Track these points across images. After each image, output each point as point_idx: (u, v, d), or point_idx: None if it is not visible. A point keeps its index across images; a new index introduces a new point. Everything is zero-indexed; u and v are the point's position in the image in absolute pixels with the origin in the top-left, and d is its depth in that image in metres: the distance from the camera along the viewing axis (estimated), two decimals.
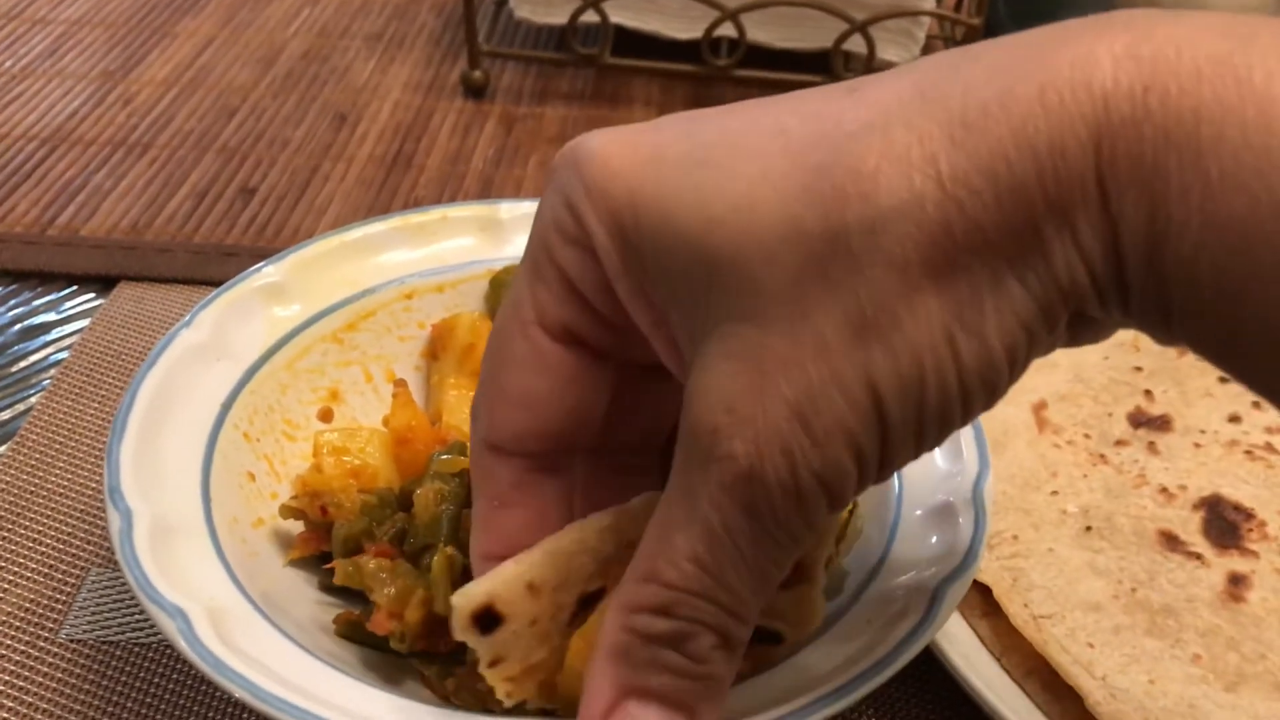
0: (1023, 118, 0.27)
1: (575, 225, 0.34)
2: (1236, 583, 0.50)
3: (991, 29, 0.94)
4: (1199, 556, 0.51)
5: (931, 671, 0.48)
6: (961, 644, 0.48)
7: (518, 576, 0.34)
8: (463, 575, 0.46)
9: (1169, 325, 0.28)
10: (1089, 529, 0.52)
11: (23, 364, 0.66)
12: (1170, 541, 0.51)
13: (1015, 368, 0.30)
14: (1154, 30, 0.27)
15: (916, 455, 0.31)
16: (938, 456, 0.48)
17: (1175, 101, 0.26)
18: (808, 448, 0.29)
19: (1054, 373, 0.61)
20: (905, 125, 0.28)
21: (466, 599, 0.34)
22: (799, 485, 0.30)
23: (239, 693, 0.37)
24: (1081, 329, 0.32)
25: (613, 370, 0.37)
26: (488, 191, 0.81)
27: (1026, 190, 0.27)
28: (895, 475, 0.48)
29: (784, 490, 0.30)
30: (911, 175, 0.28)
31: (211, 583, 0.42)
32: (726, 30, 0.86)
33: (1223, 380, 0.60)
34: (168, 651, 0.50)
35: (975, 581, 0.49)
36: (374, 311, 0.56)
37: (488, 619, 0.34)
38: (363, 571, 0.44)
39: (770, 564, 0.31)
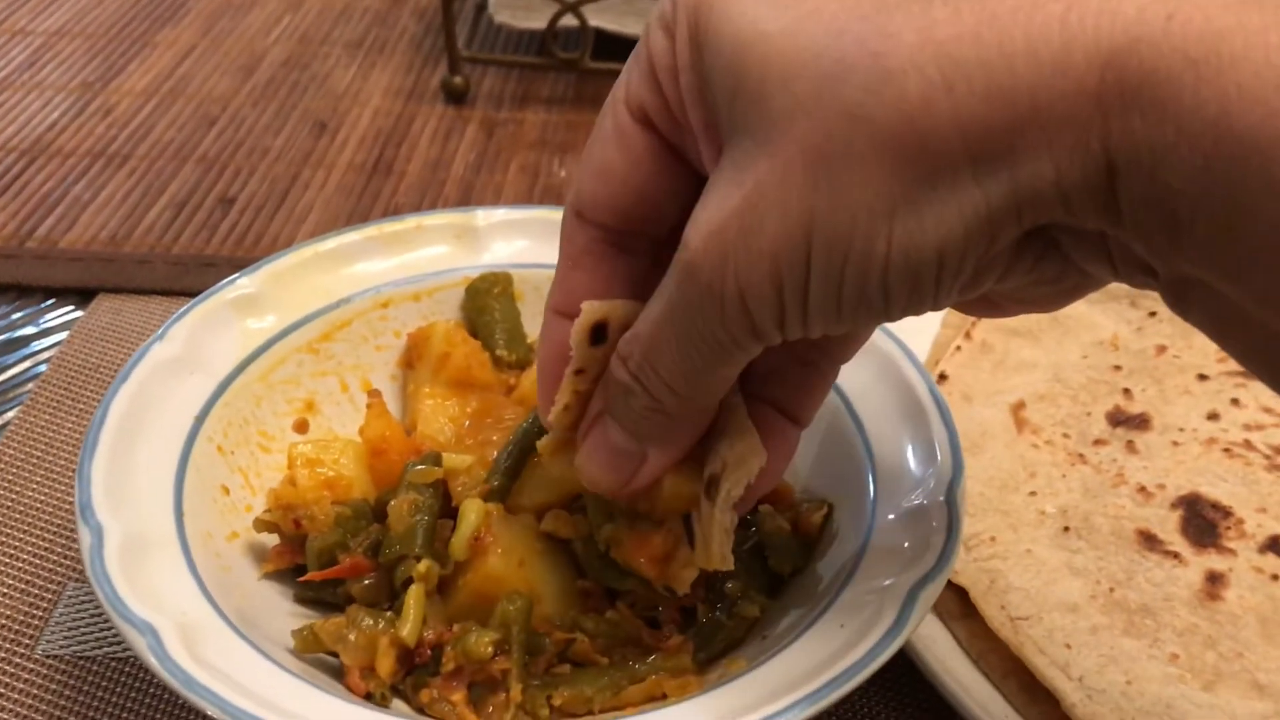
0: (1041, 29, 0.28)
1: (671, 10, 0.35)
2: (1214, 581, 0.50)
3: None
4: (1177, 555, 0.51)
5: (908, 674, 0.48)
6: (938, 647, 0.48)
7: (629, 309, 0.39)
8: (438, 586, 0.46)
9: (1175, 239, 0.28)
10: (1067, 529, 0.52)
11: (1, 378, 0.66)
12: (1148, 541, 0.51)
13: (944, 270, 0.31)
14: None
15: (835, 324, 0.33)
16: (911, 460, 0.48)
17: (1198, 26, 0.27)
18: (740, 258, 0.32)
19: (1033, 372, 0.61)
20: (946, 4, 0.29)
21: (592, 311, 0.39)
22: (723, 289, 0.32)
23: (210, 709, 0.37)
24: (1048, 258, 0.32)
25: (685, 170, 0.37)
26: (468, 197, 0.81)
27: (1015, 95, 0.28)
28: (869, 477, 0.48)
29: (710, 289, 0.33)
30: (923, 50, 0.29)
31: (183, 598, 0.42)
32: None
33: (1201, 378, 0.60)
34: (144, 667, 0.50)
35: (952, 583, 0.49)
36: (349, 321, 0.56)
37: (599, 333, 0.39)
38: (320, 636, 0.44)
39: (696, 356, 0.35)
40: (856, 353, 0.43)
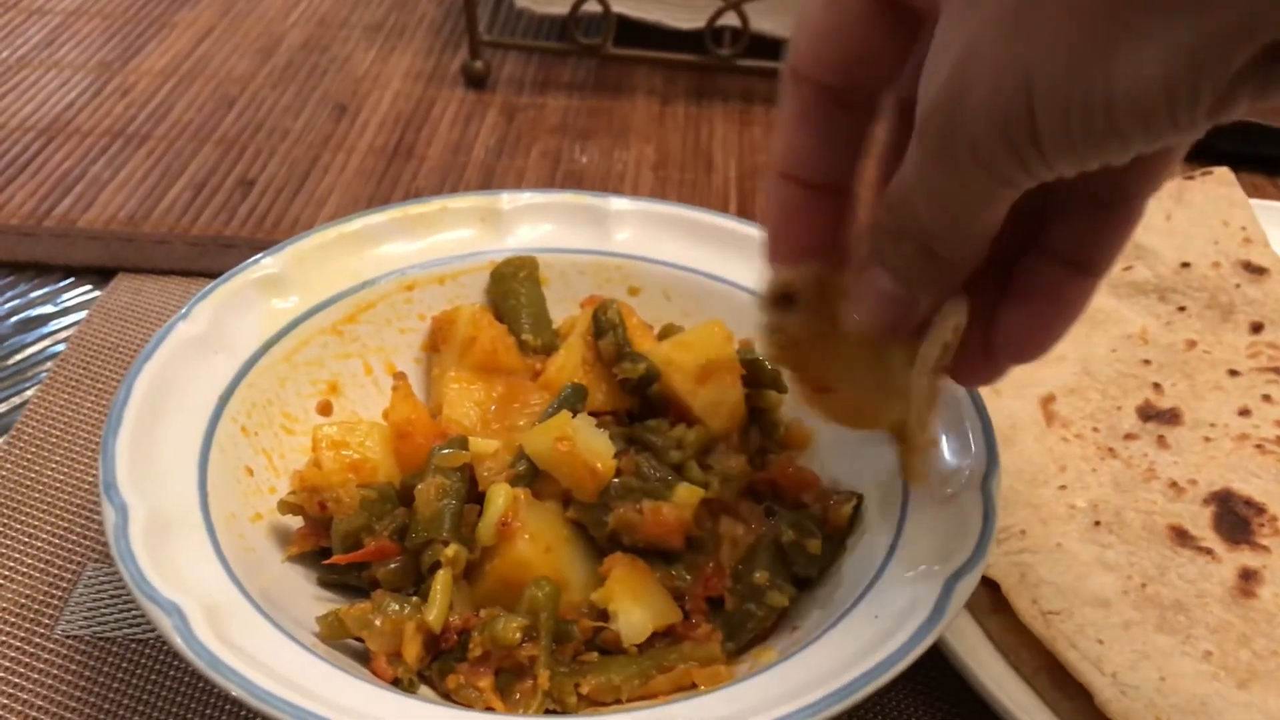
0: None
1: None
2: (1248, 578, 0.49)
3: None
4: (1210, 552, 0.50)
5: (939, 668, 0.47)
6: (969, 640, 0.47)
7: (817, 274, 0.40)
8: (465, 571, 0.45)
9: None
10: (1098, 524, 0.51)
11: (19, 356, 0.65)
12: (1180, 536, 0.51)
13: (1176, 104, 0.29)
14: None
15: (1082, 164, 0.31)
16: (945, 451, 0.47)
17: None
18: (965, 116, 0.31)
19: (1061, 365, 0.60)
20: None
21: (778, 281, 0.41)
22: (954, 149, 0.32)
23: (236, 690, 0.37)
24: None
25: (903, 16, 0.36)
26: (489, 182, 0.80)
27: None
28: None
29: (943, 151, 0.32)
30: None
31: (208, 579, 0.42)
32: (729, 20, 0.85)
33: (1232, 373, 0.59)
34: (164, 648, 0.50)
35: (983, 577, 0.49)
36: (374, 303, 0.55)
37: (786, 300, 0.41)
38: (345, 622, 0.43)
39: (954, 206, 0.34)
40: (1159, 185, 0.39)
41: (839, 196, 0.40)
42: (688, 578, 0.46)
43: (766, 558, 0.47)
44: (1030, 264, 0.39)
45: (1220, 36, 0.27)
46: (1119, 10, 0.28)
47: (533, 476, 0.46)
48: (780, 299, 0.41)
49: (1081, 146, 0.30)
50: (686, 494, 0.45)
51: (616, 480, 0.46)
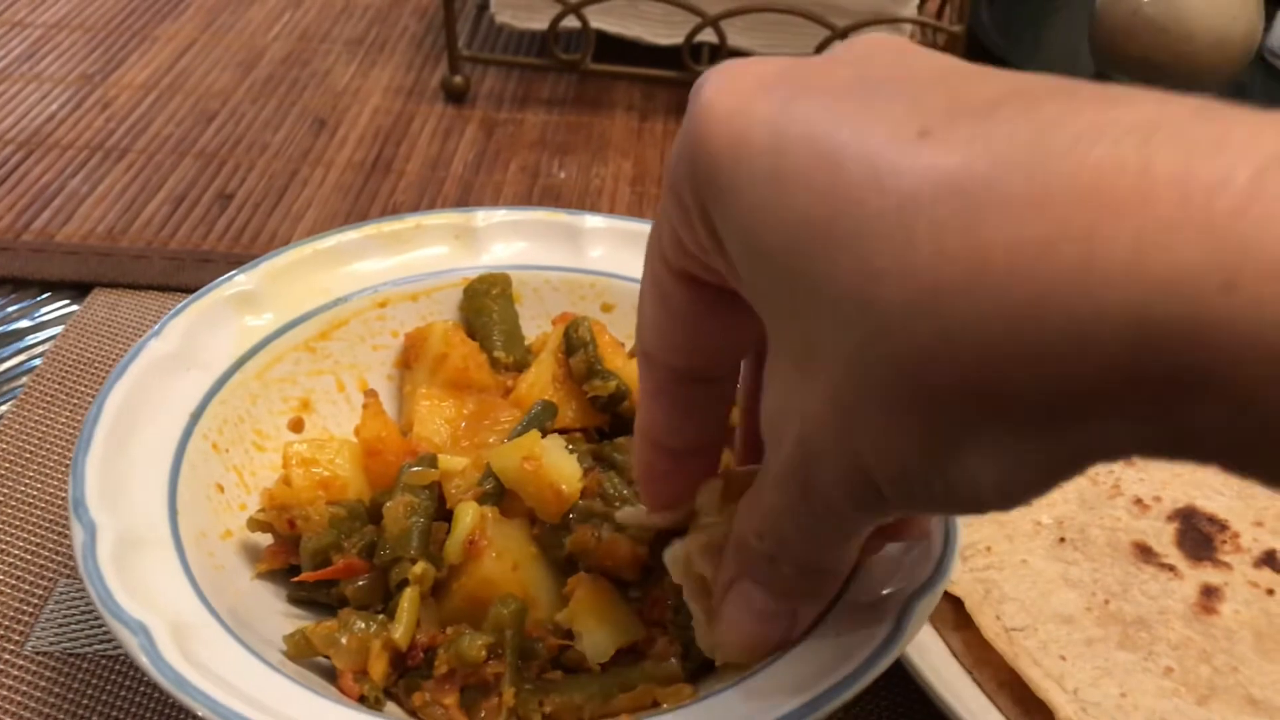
0: (1051, 284, 0.23)
1: (680, 183, 0.32)
2: (1209, 595, 0.49)
3: (974, 36, 0.94)
4: (1172, 568, 0.50)
5: (903, 685, 0.48)
6: (934, 657, 0.48)
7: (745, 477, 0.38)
8: (432, 588, 0.46)
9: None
10: (1063, 540, 0.52)
11: None
12: (1144, 553, 0.51)
13: (1010, 500, 0.27)
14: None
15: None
16: None
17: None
18: (816, 481, 0.30)
19: None
20: (931, 238, 0.24)
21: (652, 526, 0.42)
22: (810, 503, 0.31)
23: (201, 710, 0.37)
24: None
25: (741, 308, 0.34)
26: (467, 197, 0.81)
27: (1044, 360, 0.23)
28: None
29: (800, 501, 0.31)
30: (918, 301, 0.24)
31: (176, 597, 0.42)
32: (708, 36, 0.85)
33: None
34: (135, 666, 0.50)
35: (948, 594, 0.49)
36: (347, 320, 0.56)
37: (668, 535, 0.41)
38: (312, 641, 0.44)
39: (818, 537, 0.33)
40: None
41: (707, 454, 0.40)
42: (641, 599, 0.46)
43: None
44: None
45: (1052, 462, 0.26)
46: (937, 424, 0.26)
47: (500, 494, 0.47)
48: (661, 536, 0.42)
49: (936, 510, 0.31)
50: (637, 531, 0.45)
51: (581, 503, 0.46)
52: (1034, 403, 0.24)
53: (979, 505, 0.28)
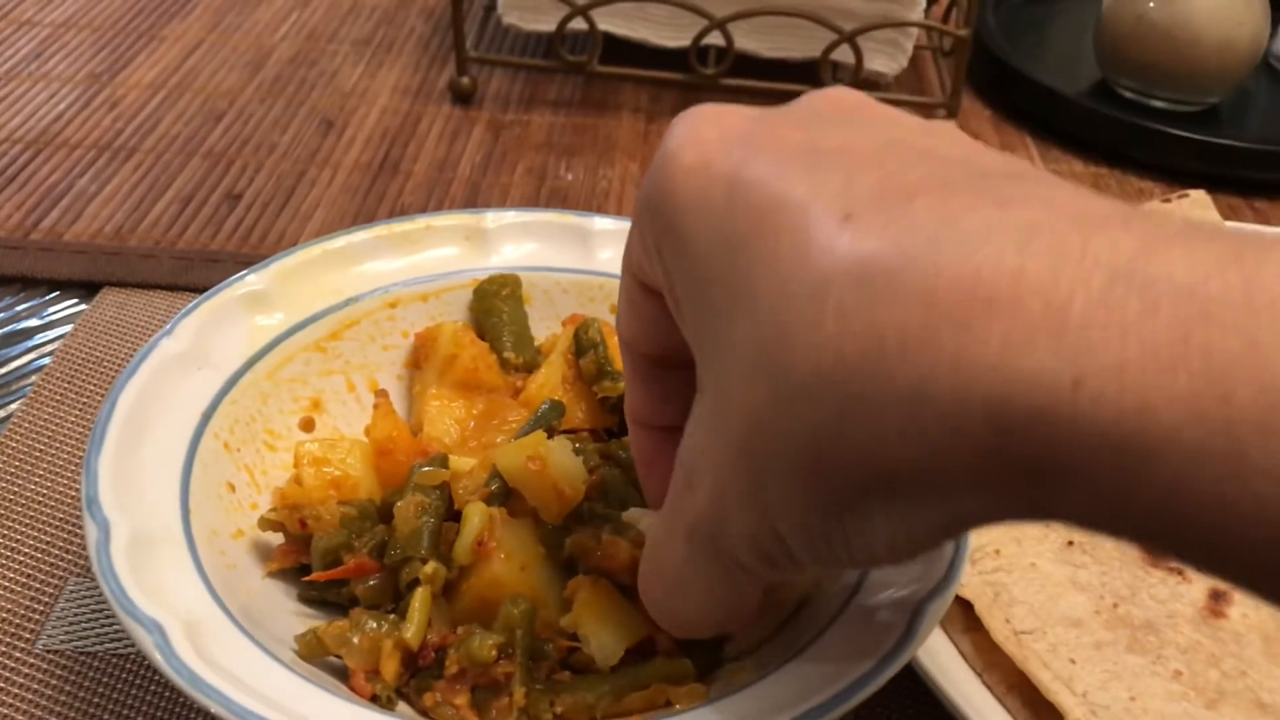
0: (930, 378, 0.26)
1: (642, 211, 0.35)
2: (1217, 599, 0.50)
3: (980, 39, 0.94)
4: (1180, 572, 0.51)
5: (913, 688, 0.48)
6: (943, 660, 0.48)
7: None
8: (443, 588, 0.46)
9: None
10: (1071, 544, 0.52)
11: (4, 370, 0.65)
12: (1152, 557, 0.51)
13: (902, 555, 0.31)
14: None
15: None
16: None
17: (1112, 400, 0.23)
18: (721, 533, 0.34)
19: None
20: (838, 317, 0.27)
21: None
22: (716, 552, 0.34)
23: (215, 708, 0.37)
24: None
25: None
26: (474, 198, 0.81)
27: (919, 442, 0.26)
28: None
29: (712, 551, 0.34)
30: (818, 374, 0.27)
31: (189, 595, 0.42)
32: (715, 39, 0.85)
33: None
34: (146, 663, 0.50)
35: (957, 596, 0.49)
36: (357, 320, 0.56)
37: None
38: (323, 640, 0.44)
39: (723, 595, 0.37)
40: None
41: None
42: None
43: None
44: None
45: (931, 528, 0.29)
46: (828, 493, 0.29)
47: (507, 494, 0.47)
48: None
49: (839, 566, 0.34)
50: (639, 534, 0.45)
51: (584, 505, 0.46)
52: (915, 478, 0.27)
53: (874, 561, 0.31)
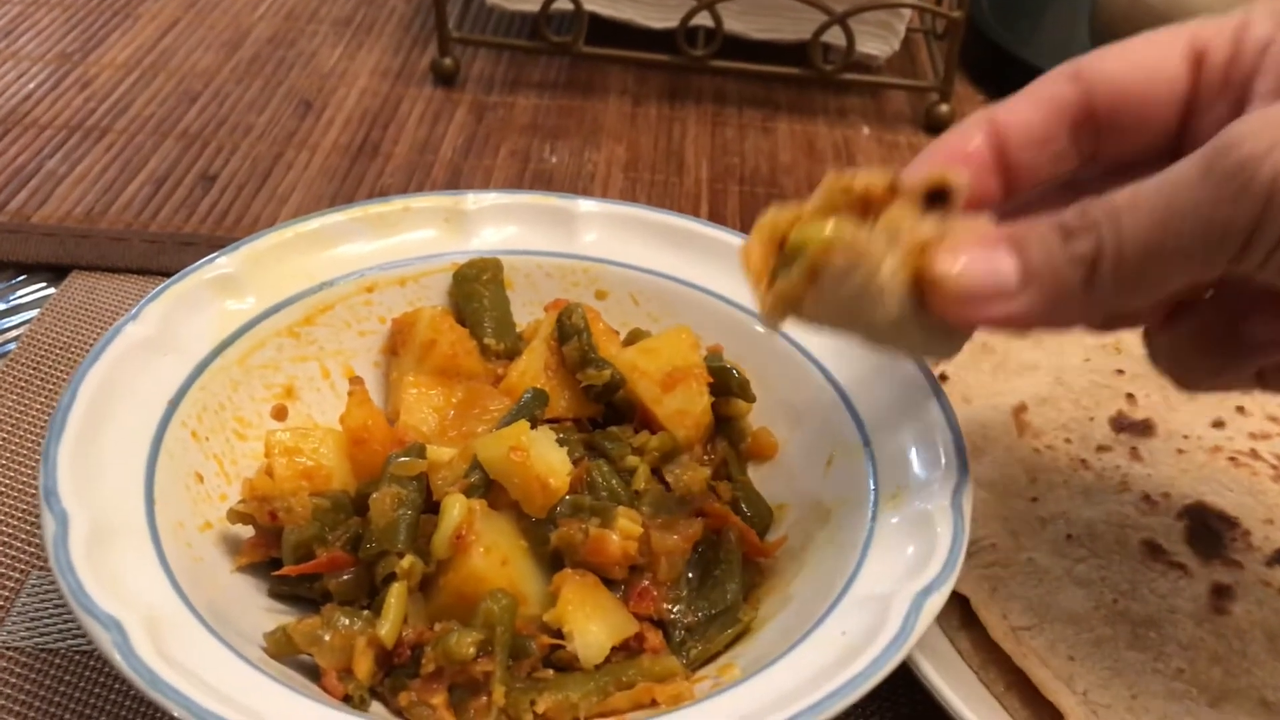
0: None
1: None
2: (1220, 594, 0.48)
3: (974, 22, 0.92)
4: (1182, 567, 0.49)
5: (908, 686, 0.46)
6: (940, 657, 0.46)
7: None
8: (420, 583, 0.44)
9: None
10: (1070, 537, 0.50)
11: None
12: (1153, 551, 0.50)
13: None
14: None
15: None
16: (915, 463, 0.46)
17: None
18: None
19: (1034, 375, 0.59)
20: None
21: (941, 174, 0.39)
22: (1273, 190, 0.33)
23: (176, 710, 0.35)
24: None
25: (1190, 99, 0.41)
26: (456, 181, 0.79)
27: None
28: (869, 478, 0.47)
29: (1251, 186, 0.33)
30: None
31: (151, 590, 0.40)
32: (703, 20, 0.83)
33: None
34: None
35: (953, 591, 0.48)
36: (332, 305, 0.54)
37: (939, 196, 0.39)
38: (293, 638, 0.42)
39: (1188, 246, 0.35)
40: None
41: (1005, 176, 0.41)
42: (628, 594, 0.45)
43: (689, 595, 0.46)
44: None
45: None
46: None
47: (487, 486, 0.45)
48: (933, 195, 0.39)
49: None
50: (628, 527, 0.43)
51: (568, 497, 0.44)
52: None
53: None
